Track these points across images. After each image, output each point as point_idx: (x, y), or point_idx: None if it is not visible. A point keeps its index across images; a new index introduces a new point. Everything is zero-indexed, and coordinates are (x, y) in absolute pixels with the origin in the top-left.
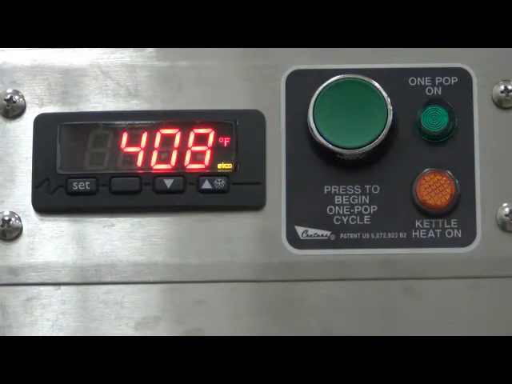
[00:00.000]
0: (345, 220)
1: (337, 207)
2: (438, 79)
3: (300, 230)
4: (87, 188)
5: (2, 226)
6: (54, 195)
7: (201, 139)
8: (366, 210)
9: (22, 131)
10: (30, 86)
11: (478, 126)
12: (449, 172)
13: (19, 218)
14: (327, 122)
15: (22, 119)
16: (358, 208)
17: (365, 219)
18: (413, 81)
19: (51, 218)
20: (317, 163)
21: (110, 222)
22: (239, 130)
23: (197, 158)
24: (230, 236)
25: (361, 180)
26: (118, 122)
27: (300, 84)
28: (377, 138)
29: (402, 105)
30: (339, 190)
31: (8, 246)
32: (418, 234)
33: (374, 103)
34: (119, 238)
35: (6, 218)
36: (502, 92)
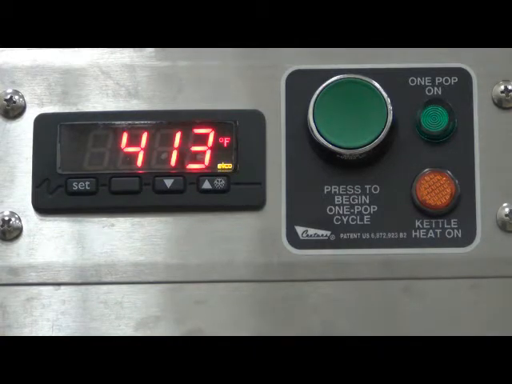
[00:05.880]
0: (345, 220)
1: (337, 207)
2: (438, 79)
3: (300, 230)
4: (87, 188)
5: (2, 226)
6: (54, 195)
7: (201, 139)
8: (366, 210)
9: (22, 131)
10: (30, 86)
11: (477, 126)
12: (449, 172)
13: (19, 218)
14: (327, 122)
15: (22, 119)
16: (357, 208)
17: (365, 219)
18: (413, 81)
19: (51, 218)
20: (317, 163)
21: (109, 222)
22: (239, 129)
23: (197, 158)
24: (230, 236)
25: (361, 180)
26: (118, 122)
27: (300, 84)
28: (377, 137)
29: (401, 105)
30: (339, 189)
31: (8, 246)
32: (417, 234)
33: (374, 103)
34: (119, 238)
35: (6, 218)
36: (502, 92)
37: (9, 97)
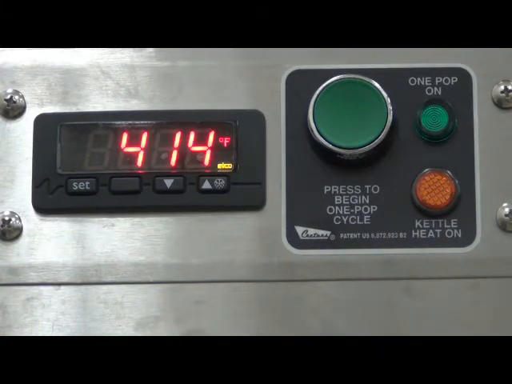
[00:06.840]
0: (345, 220)
1: (337, 207)
2: (438, 79)
3: (300, 229)
4: (87, 188)
5: (2, 226)
6: (54, 195)
7: (201, 139)
8: (365, 210)
9: (22, 131)
10: (30, 86)
11: (477, 126)
12: (449, 172)
13: (19, 218)
14: (327, 122)
15: (22, 119)
16: (357, 208)
17: (365, 219)
18: (413, 81)
19: (51, 218)
20: (317, 163)
21: (110, 222)
22: (239, 129)
23: (197, 158)
24: (230, 236)
25: (361, 180)
26: (118, 122)
27: (300, 84)
28: (377, 137)
29: (402, 105)
30: (339, 189)
31: (8, 245)
32: (417, 234)
33: (374, 103)
34: (119, 238)
35: (6, 218)
36: (502, 92)
37: (9, 97)
